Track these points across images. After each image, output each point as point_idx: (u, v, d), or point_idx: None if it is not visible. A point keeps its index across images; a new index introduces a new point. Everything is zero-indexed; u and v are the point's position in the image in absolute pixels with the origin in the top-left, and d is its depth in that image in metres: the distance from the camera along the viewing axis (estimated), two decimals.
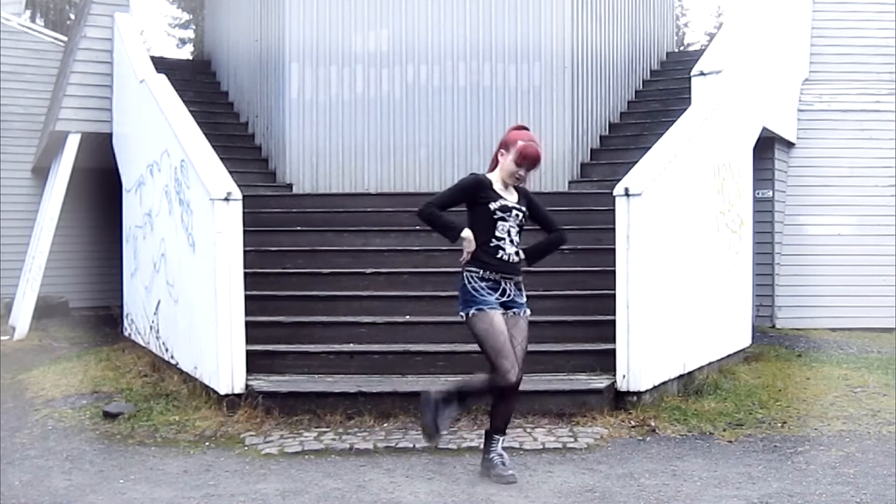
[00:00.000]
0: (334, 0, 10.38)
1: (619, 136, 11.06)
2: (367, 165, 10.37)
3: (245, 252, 6.55)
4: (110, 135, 10.96)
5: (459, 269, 4.98)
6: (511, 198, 5.00)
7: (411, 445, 5.55)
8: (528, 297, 7.35)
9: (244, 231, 6.55)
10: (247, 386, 6.35)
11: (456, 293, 4.98)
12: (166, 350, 7.81)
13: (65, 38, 13.68)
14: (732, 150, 8.08)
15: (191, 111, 8.22)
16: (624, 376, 6.27)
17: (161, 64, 10.63)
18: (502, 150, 4.98)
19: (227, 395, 6.28)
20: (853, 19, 11.51)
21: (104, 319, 11.77)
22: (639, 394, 6.25)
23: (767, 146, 10.26)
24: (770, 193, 10.66)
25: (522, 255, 5.02)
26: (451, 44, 10.36)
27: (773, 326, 10.55)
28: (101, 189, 12.18)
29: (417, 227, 8.78)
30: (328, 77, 10.40)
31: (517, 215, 4.97)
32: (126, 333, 9.71)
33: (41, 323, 11.22)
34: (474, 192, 4.95)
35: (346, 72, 10.40)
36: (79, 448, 5.72)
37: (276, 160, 10.74)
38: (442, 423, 4.93)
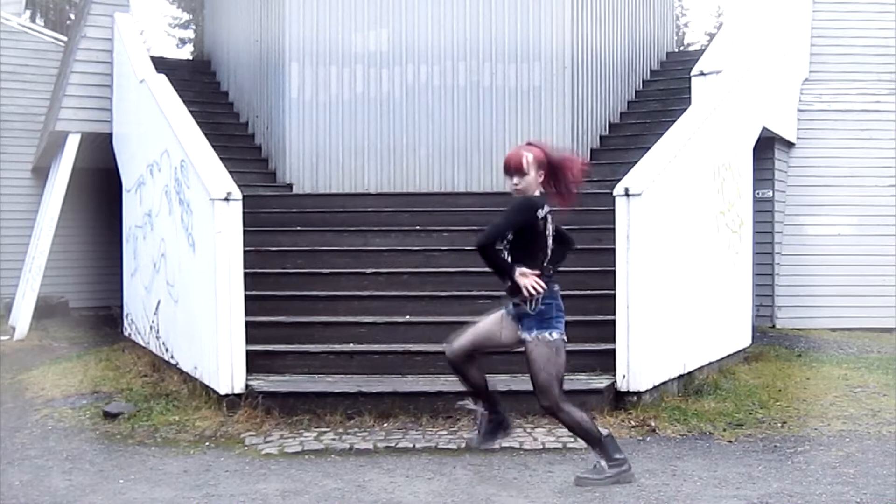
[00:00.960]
0: (334, 0, 10.38)
1: (619, 136, 11.06)
2: (367, 165, 10.37)
3: (245, 252, 6.55)
4: (110, 135, 10.96)
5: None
6: None
7: (411, 445, 5.55)
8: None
9: (244, 231, 6.55)
10: (247, 386, 6.35)
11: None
12: (166, 350, 7.81)
13: (65, 38, 13.69)
14: (732, 150, 8.08)
15: (191, 111, 8.22)
16: (624, 376, 6.27)
17: (161, 64, 10.63)
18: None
19: (227, 395, 6.28)
20: (853, 19, 11.51)
21: (104, 319, 11.76)
22: (639, 394, 6.25)
23: (767, 146, 10.26)
24: (770, 193, 10.66)
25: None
26: (451, 44, 10.36)
27: (773, 326, 10.55)
28: (101, 189, 12.18)
29: (417, 227, 8.83)
30: (328, 77, 10.39)
31: (508, 242, 4.70)
32: (126, 333, 9.71)
33: (41, 323, 11.22)
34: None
35: (346, 72, 10.40)
36: (79, 448, 5.72)
37: (276, 160, 10.74)
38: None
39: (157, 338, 8.15)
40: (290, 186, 10.34)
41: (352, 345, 7.10)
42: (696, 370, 7.05)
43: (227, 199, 6.41)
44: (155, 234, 8.45)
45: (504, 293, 4.76)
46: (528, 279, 4.57)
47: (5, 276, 12.62)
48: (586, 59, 10.72)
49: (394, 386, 6.42)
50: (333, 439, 5.72)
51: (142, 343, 8.79)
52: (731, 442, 5.67)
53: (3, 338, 10.78)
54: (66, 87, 11.16)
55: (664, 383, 6.56)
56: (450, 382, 6.31)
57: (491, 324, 4.81)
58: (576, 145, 10.53)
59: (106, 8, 11.19)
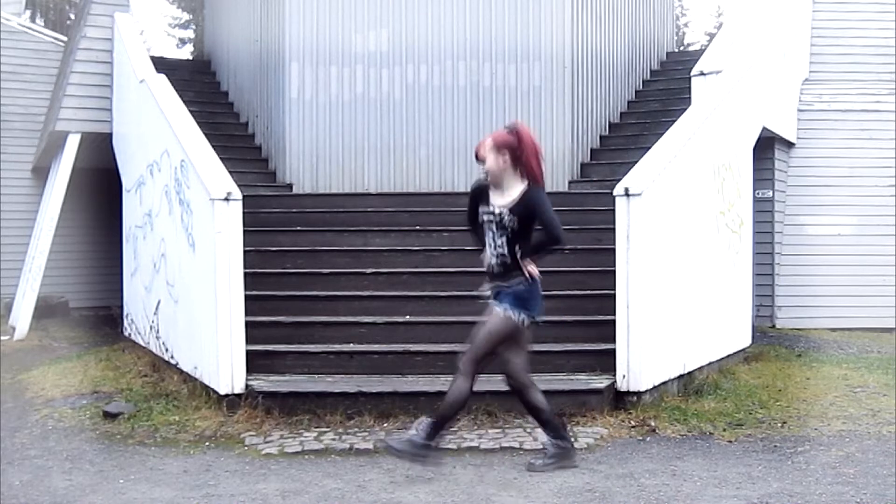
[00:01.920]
0: (334, 0, 10.38)
1: (619, 136, 11.06)
2: (367, 165, 10.37)
3: (245, 252, 6.55)
4: (110, 135, 10.96)
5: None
6: (498, 201, 4.92)
7: None
8: None
9: (244, 231, 6.55)
10: (247, 386, 6.35)
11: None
12: (166, 350, 7.81)
13: (65, 38, 13.69)
14: (732, 150, 8.08)
15: (191, 111, 8.22)
16: (624, 376, 6.27)
17: (161, 64, 10.62)
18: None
19: (227, 395, 6.28)
20: (853, 19, 11.52)
21: (104, 319, 11.76)
22: (639, 394, 6.25)
23: (767, 146, 10.26)
24: (770, 193, 10.67)
25: (508, 260, 4.91)
26: (451, 44, 10.35)
27: (773, 326, 10.56)
28: (101, 189, 12.18)
29: (417, 227, 8.83)
30: (328, 77, 10.39)
31: (491, 221, 4.91)
32: (126, 333, 9.71)
33: (41, 323, 11.22)
34: (474, 199, 5.02)
35: (346, 72, 10.39)
36: (79, 448, 5.72)
37: (276, 160, 10.74)
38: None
39: (157, 338, 8.15)
40: (290, 186, 10.34)
41: (352, 345, 7.09)
42: (696, 370, 7.05)
43: (227, 199, 6.41)
44: (155, 234, 8.45)
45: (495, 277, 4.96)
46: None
47: (5, 276, 12.62)
48: (586, 59, 10.71)
49: (394, 386, 6.42)
50: (333, 439, 5.72)
51: (142, 343, 8.79)
52: (731, 442, 5.66)
53: (3, 338, 10.78)
54: (66, 87, 11.16)
55: (664, 383, 6.56)
56: (449, 382, 6.31)
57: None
58: (576, 145, 10.53)
59: (106, 8, 11.19)
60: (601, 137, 11.08)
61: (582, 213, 8.93)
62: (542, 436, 5.20)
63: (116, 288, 10.74)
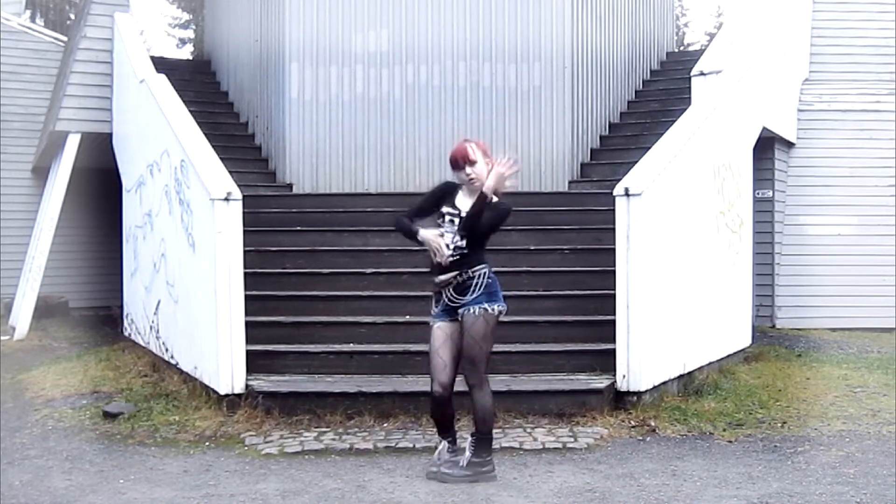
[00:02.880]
0: (334, 0, 10.38)
1: (619, 136, 11.06)
2: (367, 165, 10.37)
3: (245, 252, 6.55)
4: (110, 135, 10.96)
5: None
6: (467, 205, 4.87)
7: (411, 445, 5.55)
8: (529, 296, 7.35)
9: (244, 231, 6.55)
10: (247, 386, 6.35)
11: None
12: (166, 350, 7.81)
13: (65, 38, 13.68)
14: (732, 150, 8.08)
15: (191, 111, 8.22)
16: (624, 376, 6.27)
17: (161, 64, 10.62)
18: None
19: (227, 395, 6.28)
20: (853, 19, 11.52)
21: (104, 319, 11.76)
22: (639, 394, 6.25)
23: (767, 146, 10.26)
24: (770, 193, 10.66)
25: (466, 252, 4.84)
26: (451, 44, 10.35)
27: (773, 326, 10.56)
28: (101, 189, 12.17)
29: None
30: (328, 77, 10.39)
31: (452, 220, 4.87)
32: (126, 333, 9.71)
33: (41, 323, 11.22)
34: (440, 197, 4.97)
35: (346, 72, 10.39)
36: (79, 448, 5.72)
37: (276, 160, 10.74)
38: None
39: (157, 338, 8.15)
40: (290, 186, 10.33)
41: (352, 345, 7.09)
42: (696, 370, 7.05)
43: (227, 199, 6.41)
44: (155, 234, 8.45)
45: (449, 281, 4.90)
46: (430, 241, 4.88)
47: (5, 276, 12.62)
48: (586, 59, 10.71)
49: (394, 386, 6.42)
50: (333, 439, 5.72)
51: (142, 343, 8.79)
52: (731, 442, 5.67)
53: (3, 338, 10.78)
54: (66, 87, 11.16)
55: (664, 383, 6.56)
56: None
57: (446, 342, 4.90)
58: (576, 145, 10.53)
59: (106, 8, 11.19)
60: (601, 137, 11.08)
61: (582, 213, 8.93)
62: (466, 441, 5.01)
63: (116, 288, 10.74)
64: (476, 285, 4.87)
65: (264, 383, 6.45)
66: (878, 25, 11.45)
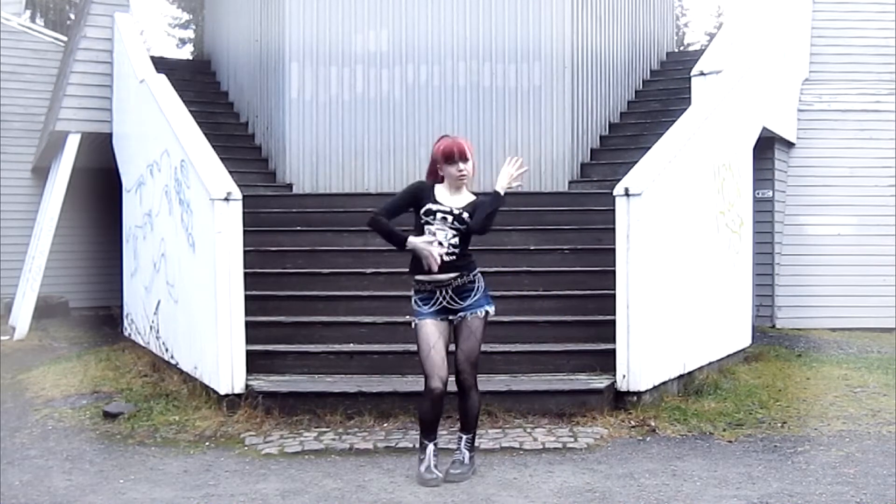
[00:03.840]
0: (334, 0, 10.38)
1: (619, 136, 11.06)
2: (367, 165, 10.37)
3: (245, 252, 6.55)
4: (110, 135, 10.96)
5: None
6: (452, 203, 4.88)
7: (411, 445, 5.54)
8: (529, 296, 7.36)
9: (244, 231, 6.55)
10: (247, 386, 6.35)
11: None
12: (166, 350, 7.81)
13: (65, 38, 13.68)
14: (732, 150, 8.08)
15: (191, 111, 8.22)
16: (624, 376, 6.27)
17: (161, 64, 10.63)
18: (438, 166, 4.95)
19: (227, 395, 6.28)
20: (853, 19, 11.52)
21: (104, 319, 11.77)
22: (639, 394, 6.25)
23: (767, 146, 10.26)
24: (770, 193, 10.66)
25: (454, 257, 4.82)
26: (451, 44, 10.35)
27: (773, 326, 10.56)
28: (101, 189, 12.18)
29: None
30: (328, 77, 10.39)
31: (445, 217, 4.83)
32: (126, 333, 9.71)
33: (41, 323, 11.22)
34: (416, 196, 4.92)
35: (346, 72, 10.40)
36: (79, 448, 5.72)
37: (276, 160, 10.74)
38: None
39: (157, 338, 8.15)
40: (290, 186, 10.34)
41: (352, 345, 7.10)
42: (696, 370, 7.05)
43: (227, 199, 6.41)
44: (155, 234, 8.45)
45: (447, 282, 4.87)
46: (422, 247, 4.85)
47: (5, 276, 12.62)
48: (586, 59, 10.72)
49: (394, 386, 6.42)
50: (333, 439, 5.72)
51: (142, 343, 8.79)
52: (731, 442, 5.67)
53: (3, 338, 10.78)
54: (66, 87, 11.16)
55: (664, 383, 6.56)
56: (449, 382, 6.30)
57: (440, 337, 4.87)
58: (576, 145, 10.53)
59: (106, 8, 11.19)
60: (601, 137, 11.08)
61: (582, 213, 8.94)
62: (462, 441, 5.02)
63: (116, 288, 10.74)
64: (477, 289, 4.91)
65: (264, 383, 6.45)
66: (878, 25, 11.45)
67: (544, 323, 7.26)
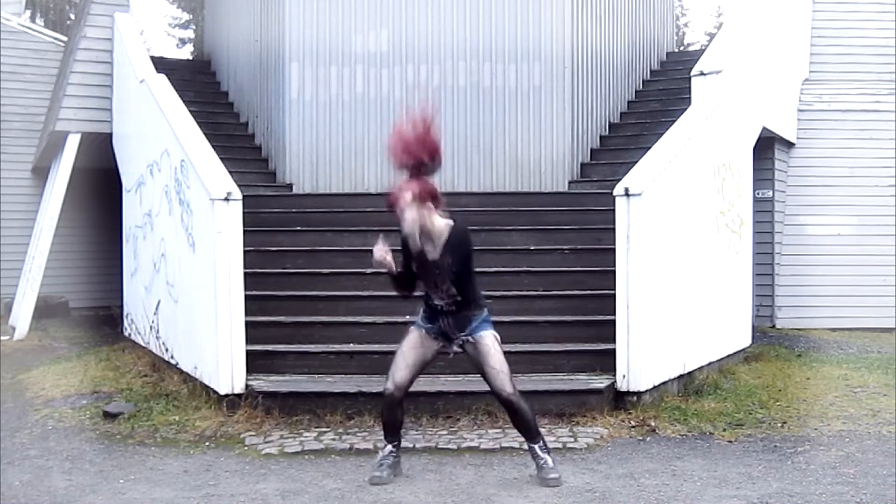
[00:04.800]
0: (334, 0, 10.38)
1: (619, 136, 11.06)
2: (367, 165, 10.36)
3: (245, 252, 6.55)
4: (110, 135, 10.96)
5: None
6: (435, 246, 4.75)
7: (411, 445, 5.54)
8: (529, 296, 7.35)
9: (244, 231, 6.55)
10: (247, 386, 6.35)
11: None
12: (166, 350, 7.81)
13: (65, 38, 13.68)
14: (732, 150, 8.08)
15: (191, 111, 8.22)
16: (624, 376, 6.26)
17: (161, 64, 10.63)
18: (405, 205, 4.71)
19: (227, 395, 6.28)
20: (853, 19, 11.52)
21: (104, 319, 11.77)
22: (639, 394, 6.25)
23: (767, 146, 10.26)
24: (770, 193, 10.66)
25: (461, 298, 4.77)
26: (451, 44, 10.35)
27: (773, 326, 10.55)
28: (101, 189, 12.17)
29: None
30: (328, 77, 10.39)
31: (436, 272, 4.73)
32: (126, 333, 9.71)
33: (41, 323, 11.22)
34: (406, 246, 4.86)
35: (346, 72, 10.39)
36: (79, 448, 5.72)
37: (276, 160, 10.74)
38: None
39: (157, 338, 8.15)
40: (290, 186, 10.34)
41: (352, 345, 7.10)
42: (696, 370, 7.05)
43: (227, 199, 6.41)
44: (155, 234, 8.45)
45: (446, 307, 4.81)
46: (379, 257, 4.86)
47: (5, 276, 12.62)
48: (586, 59, 10.71)
49: None
50: (333, 439, 5.72)
51: (142, 343, 8.79)
52: (731, 442, 5.67)
53: (3, 338, 10.78)
54: (66, 87, 11.16)
55: (664, 383, 6.56)
56: (450, 382, 6.32)
57: (417, 348, 4.85)
58: (576, 145, 10.53)
59: (106, 8, 11.19)
60: (601, 137, 11.08)
61: (582, 213, 8.93)
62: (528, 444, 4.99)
63: (116, 288, 10.74)
64: (476, 318, 4.84)
65: (264, 383, 6.45)
66: (878, 25, 11.45)
67: (544, 323, 7.26)
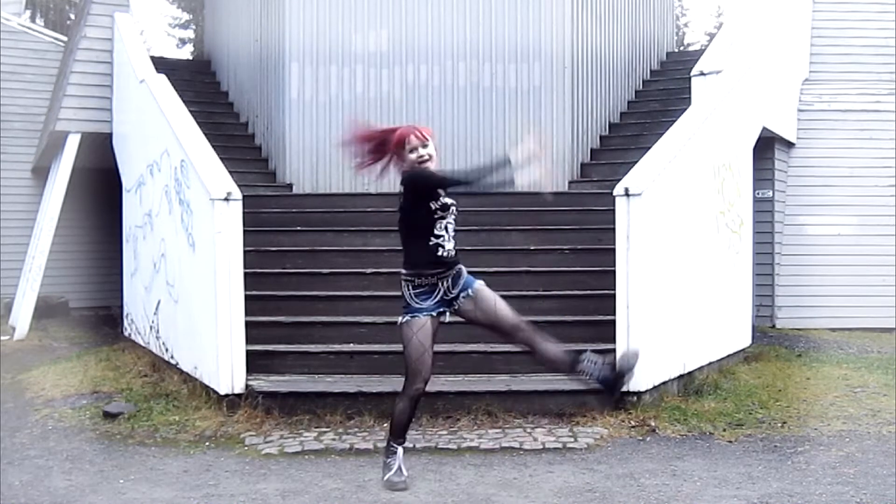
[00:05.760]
0: (334, 0, 10.38)
1: (619, 136, 11.06)
2: None
3: (245, 252, 6.54)
4: (110, 135, 10.96)
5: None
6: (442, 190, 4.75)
7: (411, 445, 5.53)
8: (529, 296, 7.35)
9: (244, 231, 6.55)
10: (247, 386, 6.35)
11: None
12: (166, 350, 7.81)
13: (65, 38, 13.69)
14: (732, 150, 8.08)
15: (191, 111, 8.22)
16: None
17: (161, 64, 10.63)
18: (394, 157, 4.74)
19: (227, 395, 6.28)
20: (853, 19, 11.52)
21: (104, 319, 11.77)
22: (639, 394, 6.25)
23: (767, 146, 10.26)
24: (770, 193, 10.67)
25: (453, 252, 4.77)
26: (451, 44, 10.35)
27: (773, 326, 10.56)
28: (101, 189, 12.18)
29: None
30: (328, 77, 10.39)
31: (454, 211, 4.79)
32: (126, 333, 9.71)
33: (41, 323, 11.22)
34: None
35: (346, 72, 10.40)
36: (79, 448, 5.72)
37: (276, 160, 10.74)
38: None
39: (157, 338, 8.15)
40: (290, 186, 10.34)
41: (352, 345, 7.10)
42: (696, 370, 7.05)
43: (227, 199, 6.41)
44: (155, 234, 8.45)
45: (442, 275, 4.74)
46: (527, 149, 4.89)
47: (5, 276, 12.62)
48: (586, 59, 10.72)
49: (394, 386, 6.38)
50: (333, 439, 5.72)
51: (142, 343, 8.79)
52: (731, 442, 5.67)
53: (3, 338, 10.78)
54: (66, 87, 11.16)
55: (664, 383, 6.56)
56: (450, 382, 6.33)
57: (429, 336, 4.71)
58: (576, 145, 10.54)
59: (106, 8, 11.19)
60: (601, 137, 11.08)
61: (582, 213, 8.93)
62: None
63: (116, 288, 10.74)
64: (463, 269, 4.81)
65: (264, 383, 6.45)
66: (878, 25, 11.45)
67: (544, 323, 7.20)
